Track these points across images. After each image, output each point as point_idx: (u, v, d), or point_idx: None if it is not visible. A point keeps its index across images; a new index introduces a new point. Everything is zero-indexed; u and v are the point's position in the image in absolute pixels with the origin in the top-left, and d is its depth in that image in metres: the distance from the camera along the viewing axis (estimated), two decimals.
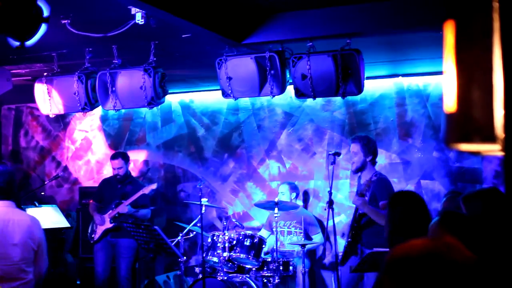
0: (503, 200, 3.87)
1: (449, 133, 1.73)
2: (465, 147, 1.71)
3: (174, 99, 10.14)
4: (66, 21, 6.05)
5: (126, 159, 8.80)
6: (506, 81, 1.65)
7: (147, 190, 8.41)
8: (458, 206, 4.06)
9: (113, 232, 8.53)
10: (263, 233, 8.61)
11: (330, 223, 7.06)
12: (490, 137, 1.66)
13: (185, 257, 8.12)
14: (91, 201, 8.96)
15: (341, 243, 7.27)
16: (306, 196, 9.32)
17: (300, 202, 8.96)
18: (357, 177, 7.17)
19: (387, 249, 4.74)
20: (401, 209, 4.33)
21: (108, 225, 8.52)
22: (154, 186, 8.53)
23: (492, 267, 1.85)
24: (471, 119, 1.68)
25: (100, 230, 8.56)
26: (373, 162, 6.97)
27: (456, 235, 3.15)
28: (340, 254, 6.89)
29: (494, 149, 1.69)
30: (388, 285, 1.86)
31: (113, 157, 8.82)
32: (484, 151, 1.73)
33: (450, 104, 1.73)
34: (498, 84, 1.66)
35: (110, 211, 8.50)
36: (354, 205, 6.69)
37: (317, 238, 8.50)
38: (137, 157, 10.22)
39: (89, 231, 8.73)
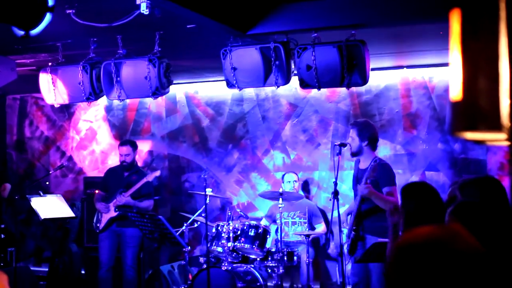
0: (500, 187, 3.88)
1: (454, 121, 1.73)
2: (470, 135, 1.71)
3: (178, 90, 10.14)
4: (71, 10, 6.04)
5: (134, 147, 8.80)
6: None
7: (150, 177, 8.43)
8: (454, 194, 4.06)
9: (119, 221, 8.54)
10: (264, 223, 8.63)
11: (335, 213, 7.03)
12: (496, 126, 1.66)
13: (189, 247, 8.14)
14: (96, 191, 8.96)
15: (344, 232, 7.25)
16: (306, 186, 9.33)
17: (301, 192, 8.97)
18: (355, 162, 7.16)
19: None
20: (415, 201, 4.33)
21: (112, 213, 8.52)
22: (157, 173, 8.55)
23: (494, 255, 1.85)
24: (477, 107, 1.68)
25: (105, 219, 8.57)
26: (372, 147, 6.88)
27: (463, 222, 3.15)
28: (347, 243, 6.86)
29: (499, 138, 1.68)
30: (395, 272, 1.86)
31: (121, 144, 8.82)
32: (489, 140, 1.73)
33: (456, 93, 1.72)
34: (504, 73, 1.65)
35: (115, 200, 8.51)
36: (360, 194, 6.60)
37: (320, 227, 8.52)
38: (142, 148, 10.22)
39: (94, 220, 8.74)
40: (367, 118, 8.86)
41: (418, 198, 4.34)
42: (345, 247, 6.91)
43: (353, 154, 6.96)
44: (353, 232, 6.76)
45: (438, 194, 4.39)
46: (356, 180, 6.92)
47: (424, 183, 4.71)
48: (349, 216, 6.95)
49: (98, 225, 8.65)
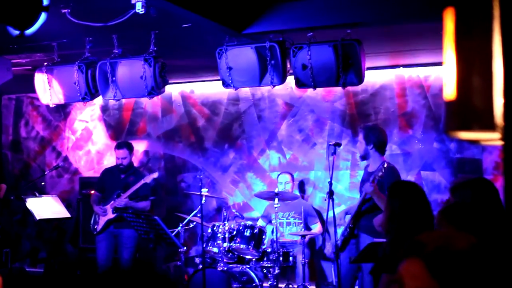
0: (491, 188, 3.89)
1: (448, 121, 1.73)
2: (464, 135, 1.71)
3: (174, 89, 10.13)
4: (66, 10, 6.04)
5: (131, 150, 8.81)
6: (505, 69, 1.64)
7: (148, 179, 8.43)
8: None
9: (116, 222, 8.53)
10: (260, 223, 8.62)
11: (330, 213, 7.04)
12: (489, 125, 1.65)
13: (185, 248, 8.12)
14: (92, 192, 8.95)
15: (339, 232, 7.25)
16: (302, 186, 9.32)
17: (297, 192, 8.97)
18: (365, 166, 7.18)
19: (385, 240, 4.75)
20: (400, 200, 4.32)
21: (110, 215, 8.51)
22: (155, 175, 8.54)
23: (488, 251, 1.85)
24: (471, 107, 1.67)
25: (102, 221, 8.56)
26: (380, 152, 6.91)
27: (453, 224, 3.15)
28: (339, 240, 6.88)
29: (493, 138, 1.68)
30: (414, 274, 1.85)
31: (118, 147, 8.81)
32: (483, 139, 1.73)
33: (450, 92, 1.72)
34: (498, 71, 1.65)
35: (112, 202, 8.50)
36: (364, 192, 6.62)
37: (316, 227, 8.51)
38: (138, 148, 10.21)
39: (91, 222, 8.72)
40: (363, 118, 8.89)
41: (404, 197, 4.33)
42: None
43: (362, 158, 7.02)
44: (348, 230, 6.79)
45: (424, 194, 4.39)
46: (364, 183, 6.99)
47: (410, 183, 4.70)
48: (347, 216, 6.98)
49: (95, 227, 8.63)
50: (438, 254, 1.81)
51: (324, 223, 8.57)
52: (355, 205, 6.80)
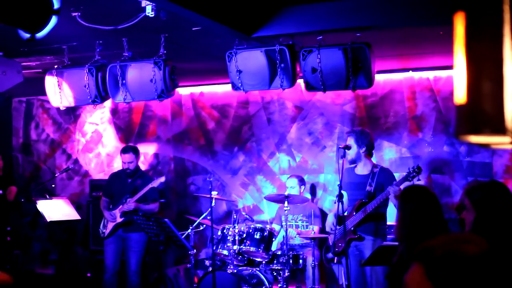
0: (506, 191, 3.89)
1: (459, 125, 1.73)
2: (474, 139, 1.71)
3: (184, 92, 10.15)
4: (76, 13, 6.05)
5: (137, 154, 8.80)
6: None
7: (155, 183, 8.42)
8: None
9: (124, 226, 8.54)
10: (274, 226, 8.61)
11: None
12: (499, 129, 1.65)
13: (195, 250, 8.13)
14: (102, 197, 8.96)
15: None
16: (313, 189, 9.31)
17: (308, 195, 8.95)
18: (349, 169, 7.22)
19: (397, 243, 4.75)
20: (413, 205, 4.31)
21: (118, 220, 8.52)
22: (162, 179, 8.53)
23: (500, 257, 1.84)
24: (481, 111, 1.67)
25: (111, 225, 8.57)
26: (370, 154, 7.08)
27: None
28: (340, 245, 6.92)
29: (504, 142, 1.68)
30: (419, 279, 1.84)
31: (123, 151, 8.81)
32: (493, 143, 1.72)
33: (460, 96, 1.72)
34: (508, 76, 1.65)
35: (121, 206, 8.50)
36: (387, 194, 6.65)
37: (314, 228, 8.42)
38: (147, 150, 10.23)
39: (100, 226, 8.73)
40: (373, 121, 8.88)
41: (416, 201, 4.32)
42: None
43: (352, 162, 7.12)
44: (346, 232, 6.84)
45: (437, 199, 4.38)
46: (356, 185, 7.06)
47: (422, 187, 4.69)
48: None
49: (104, 230, 8.64)
50: (445, 259, 1.79)
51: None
52: (370, 206, 6.80)
